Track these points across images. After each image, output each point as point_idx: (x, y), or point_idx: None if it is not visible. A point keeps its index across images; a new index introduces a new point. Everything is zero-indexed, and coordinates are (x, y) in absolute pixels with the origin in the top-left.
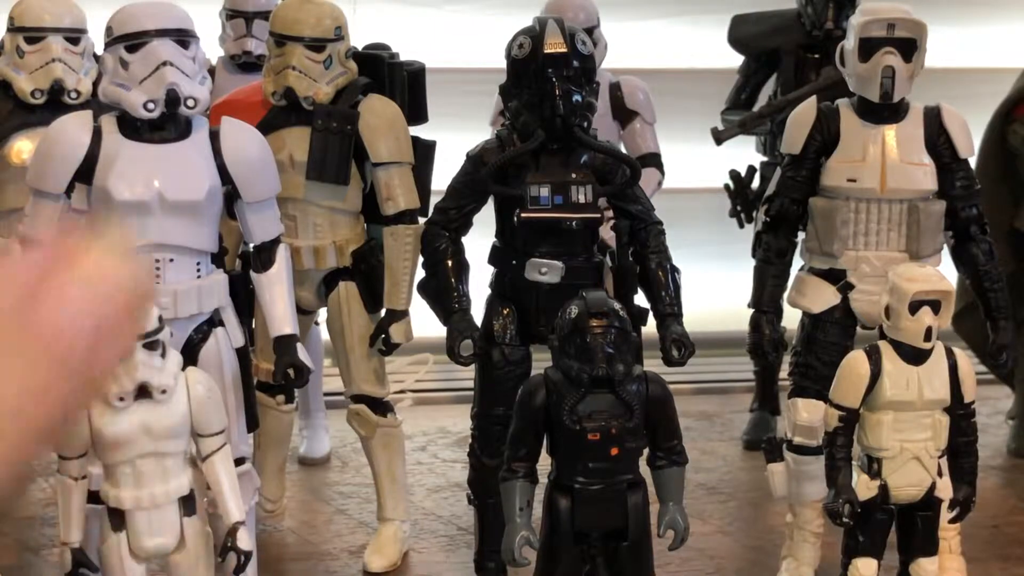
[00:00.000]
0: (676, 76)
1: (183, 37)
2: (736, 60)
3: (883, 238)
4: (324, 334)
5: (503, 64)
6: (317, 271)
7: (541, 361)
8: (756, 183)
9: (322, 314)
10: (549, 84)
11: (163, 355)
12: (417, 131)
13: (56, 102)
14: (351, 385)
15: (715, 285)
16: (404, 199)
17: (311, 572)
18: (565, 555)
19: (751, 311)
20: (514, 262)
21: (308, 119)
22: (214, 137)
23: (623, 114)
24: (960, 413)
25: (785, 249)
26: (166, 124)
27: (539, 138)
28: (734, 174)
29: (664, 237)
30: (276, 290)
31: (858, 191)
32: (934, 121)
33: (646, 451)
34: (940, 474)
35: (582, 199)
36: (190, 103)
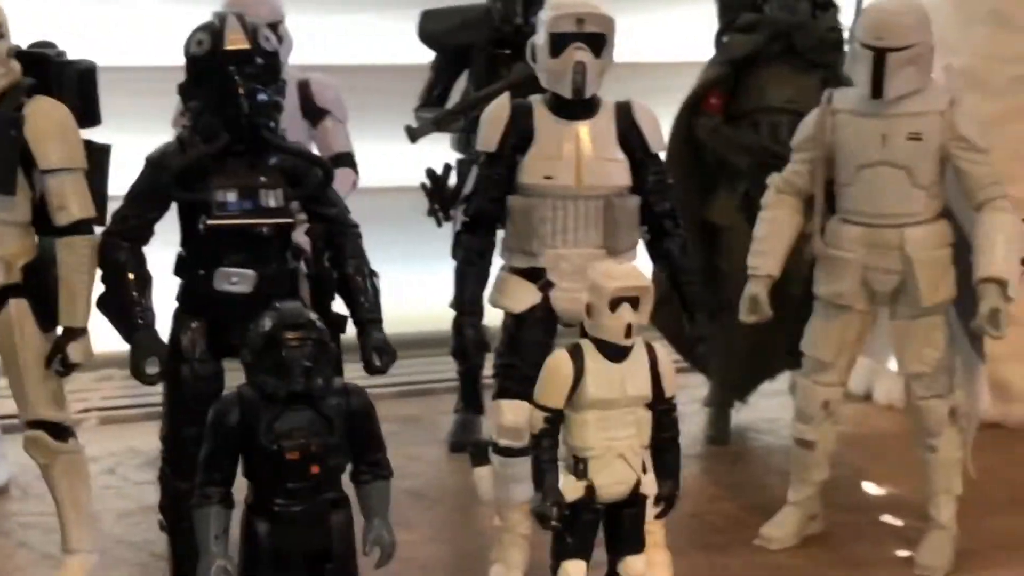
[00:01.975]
0: (367, 72)
1: None
2: (428, 56)
3: (581, 235)
4: None
5: (183, 61)
6: None
7: (236, 376)
8: (453, 181)
9: None
10: (231, 83)
11: None
12: (90, 135)
13: None
14: (27, 410)
15: (415, 286)
16: (78, 208)
17: None
18: None
19: (453, 313)
20: (202, 272)
21: None
22: None
23: (313, 113)
24: (662, 409)
25: (484, 249)
26: None
27: (223, 140)
28: (430, 172)
29: (361, 241)
30: None
31: (555, 188)
32: (626, 116)
33: (349, 466)
34: (644, 470)
35: (272, 203)
36: None
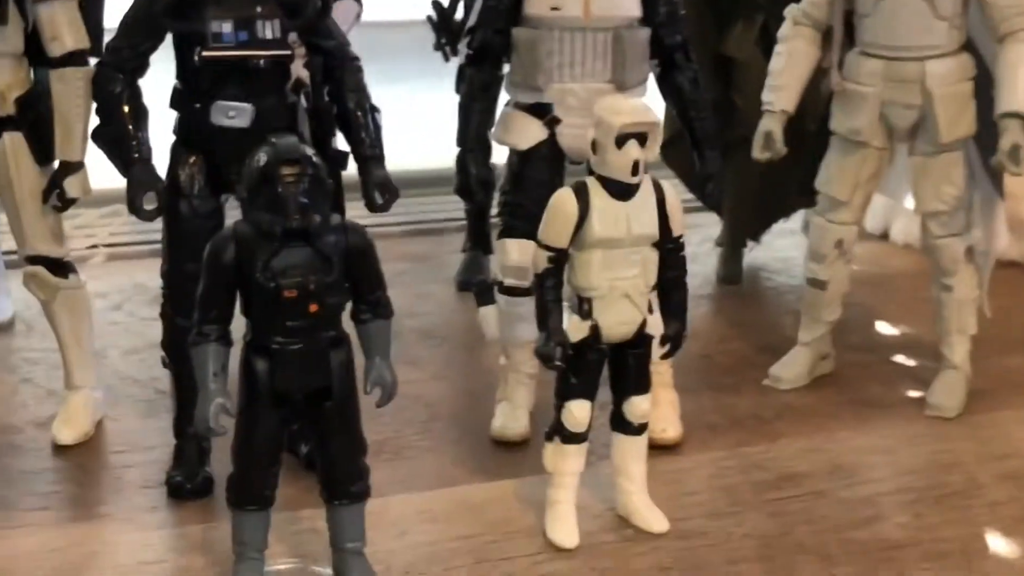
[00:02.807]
0: None
1: None
2: None
3: (588, 69)
4: None
5: None
6: None
7: (235, 213)
8: (460, 14)
9: None
10: None
11: None
12: None
13: None
14: (25, 246)
15: (419, 122)
16: (71, 38)
17: None
18: (265, 419)
19: (458, 149)
20: (198, 106)
21: None
22: None
23: None
24: (669, 248)
25: (489, 83)
26: None
27: None
28: (437, 5)
29: (362, 74)
30: None
31: (562, 20)
32: None
33: (349, 305)
34: (650, 311)
35: (269, 34)
36: None
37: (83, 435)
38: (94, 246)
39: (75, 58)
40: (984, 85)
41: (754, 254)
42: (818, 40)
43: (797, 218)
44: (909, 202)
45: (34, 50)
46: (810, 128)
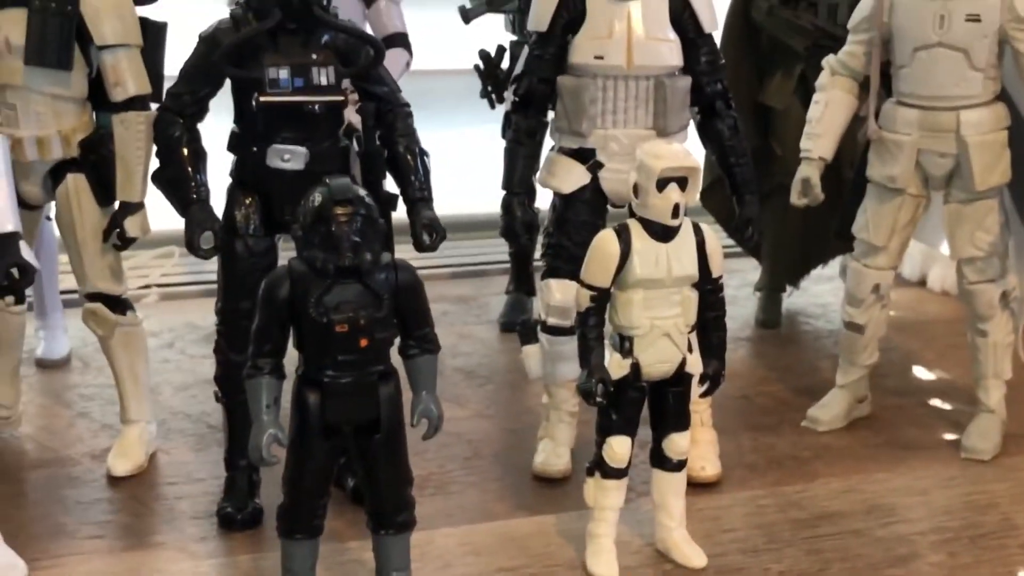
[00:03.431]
0: None
1: None
2: None
3: (631, 115)
4: (57, 229)
5: None
6: (42, 163)
7: (288, 252)
8: (506, 63)
9: (53, 208)
10: None
11: None
12: (146, 12)
13: None
14: (85, 283)
15: (466, 167)
16: (134, 84)
17: (52, 479)
18: (316, 450)
19: (503, 193)
20: (255, 148)
21: (25, 0)
22: None
23: None
24: (708, 288)
25: (535, 129)
26: None
27: (276, 17)
28: (484, 54)
29: (412, 119)
30: None
31: (605, 68)
32: None
33: (398, 340)
34: (690, 350)
35: (324, 81)
36: None
37: (137, 467)
38: (147, 286)
39: (137, 103)
40: (1018, 134)
41: (792, 299)
42: (855, 89)
43: (835, 264)
44: (945, 249)
45: (97, 95)
46: (847, 175)
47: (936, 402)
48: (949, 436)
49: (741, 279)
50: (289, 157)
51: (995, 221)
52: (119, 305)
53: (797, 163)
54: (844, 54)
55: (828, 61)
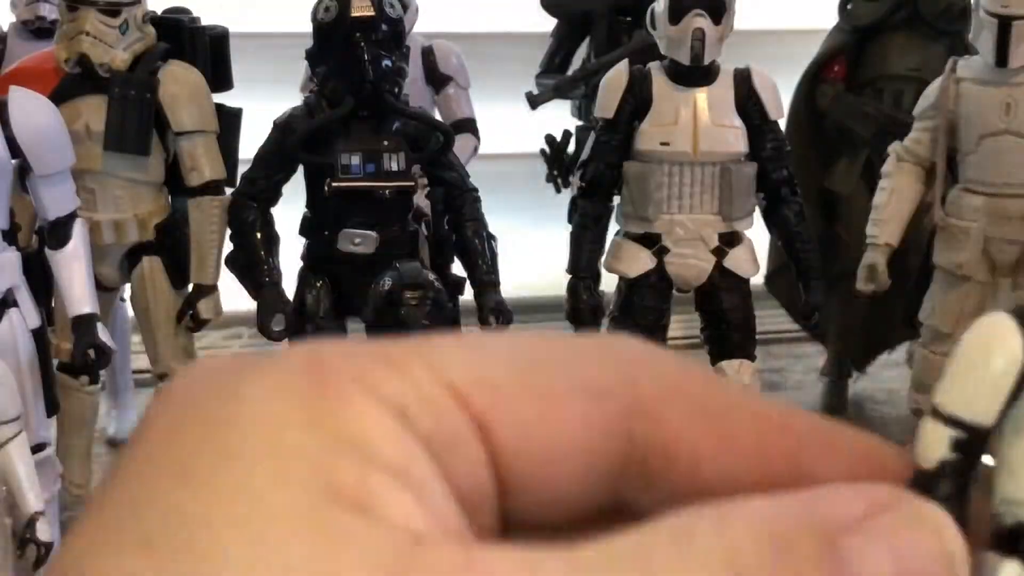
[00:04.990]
0: (489, 40)
1: None
2: (550, 23)
3: (696, 201)
4: (131, 311)
5: (311, 28)
6: (118, 246)
7: (357, 335)
8: (572, 147)
9: (127, 290)
10: (357, 49)
11: None
12: (222, 98)
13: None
14: (158, 363)
15: (532, 251)
16: (209, 169)
17: None
18: None
19: (569, 277)
20: (326, 233)
21: (104, 87)
22: (1, 108)
23: (436, 79)
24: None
25: (601, 214)
26: None
27: (348, 105)
28: (550, 139)
29: (480, 204)
30: (73, 268)
31: (671, 154)
32: (744, 83)
33: None
34: None
35: (395, 167)
36: None
37: None
38: None
39: (212, 188)
40: None
41: (859, 384)
42: (922, 176)
43: (901, 350)
44: None
45: (173, 179)
46: (913, 261)
47: None
48: None
49: (807, 364)
50: (360, 241)
51: None
52: None
53: (863, 249)
54: (910, 141)
55: (894, 148)
